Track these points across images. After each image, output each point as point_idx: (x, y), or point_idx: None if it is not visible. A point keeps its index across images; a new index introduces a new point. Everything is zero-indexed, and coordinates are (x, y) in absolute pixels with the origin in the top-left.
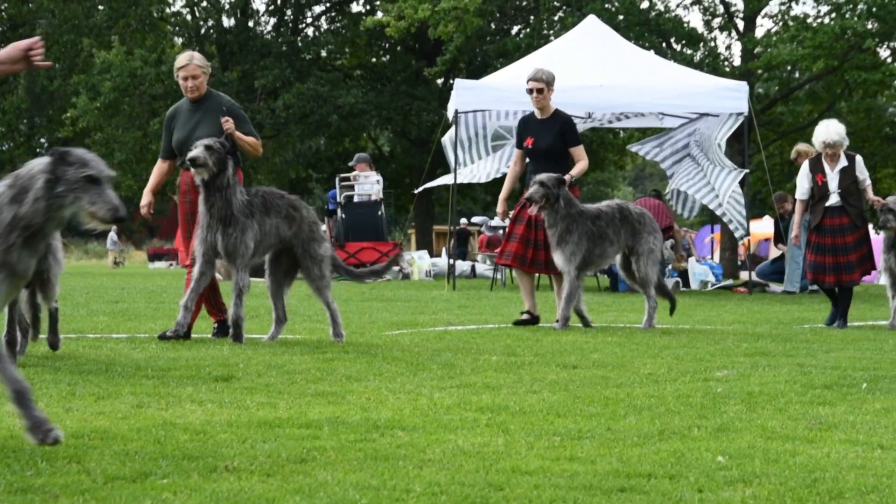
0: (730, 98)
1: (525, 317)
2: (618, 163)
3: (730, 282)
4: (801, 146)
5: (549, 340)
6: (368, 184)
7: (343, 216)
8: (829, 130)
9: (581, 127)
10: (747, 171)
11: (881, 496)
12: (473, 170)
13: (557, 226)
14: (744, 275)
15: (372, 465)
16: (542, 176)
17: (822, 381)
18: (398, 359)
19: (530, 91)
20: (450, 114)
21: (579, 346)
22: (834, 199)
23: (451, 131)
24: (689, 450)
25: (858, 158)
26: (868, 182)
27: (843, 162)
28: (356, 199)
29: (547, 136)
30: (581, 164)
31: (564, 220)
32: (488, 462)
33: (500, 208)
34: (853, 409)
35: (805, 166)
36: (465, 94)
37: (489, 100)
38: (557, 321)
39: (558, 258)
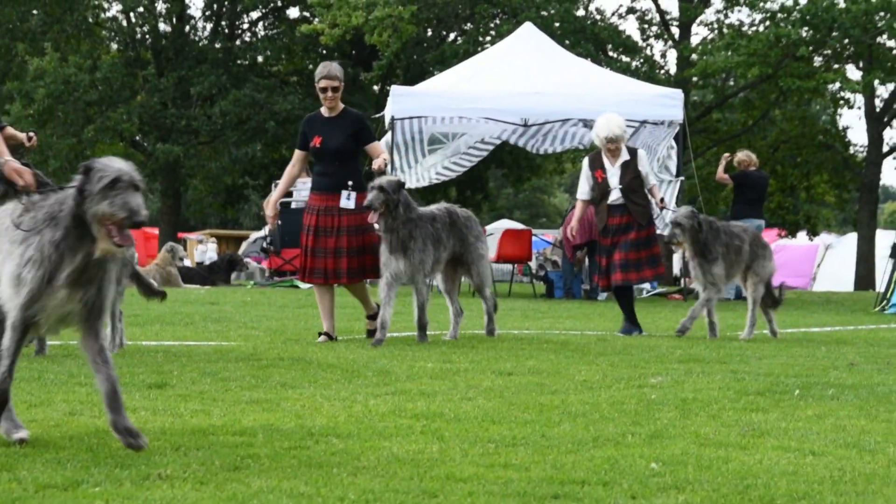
0: (665, 105)
1: (322, 339)
2: (556, 169)
3: (664, 289)
4: (740, 154)
5: (484, 347)
6: (306, 190)
7: (280, 222)
8: (610, 125)
9: (519, 140)
10: (682, 178)
11: (812, 502)
12: (409, 174)
13: (398, 231)
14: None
15: (306, 472)
16: (382, 180)
17: (755, 388)
18: (333, 366)
19: (324, 90)
20: (386, 120)
21: (515, 353)
22: (615, 196)
23: (388, 137)
24: (623, 456)
25: (641, 152)
26: (653, 181)
27: (625, 156)
28: (293, 205)
29: (337, 136)
30: (383, 158)
31: (406, 226)
32: (423, 469)
33: (269, 212)
34: (785, 416)
35: (585, 164)
36: (401, 101)
37: (425, 106)
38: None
39: (405, 267)
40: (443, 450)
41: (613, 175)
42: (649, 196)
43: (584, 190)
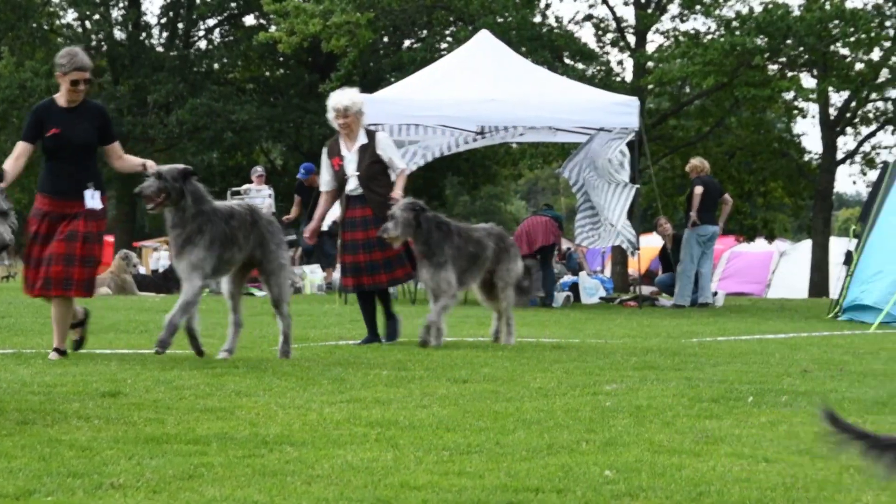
0: (621, 113)
1: (53, 356)
2: (512, 175)
3: (615, 295)
4: (695, 161)
5: (439, 355)
6: (260, 198)
7: None
8: (341, 95)
9: (476, 144)
10: (638, 185)
11: None
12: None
13: (186, 226)
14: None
15: (260, 480)
16: (162, 167)
17: (710, 395)
18: (288, 374)
19: (76, 83)
20: None
21: (469, 361)
22: (353, 185)
23: None
24: (577, 464)
25: (381, 135)
26: (399, 166)
27: (362, 139)
28: None
29: (82, 129)
30: (133, 160)
31: (196, 220)
32: (377, 477)
33: None
34: (739, 423)
35: (324, 153)
36: None
37: (381, 114)
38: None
39: (182, 265)
40: (397, 458)
41: (350, 161)
42: (396, 185)
43: (325, 181)
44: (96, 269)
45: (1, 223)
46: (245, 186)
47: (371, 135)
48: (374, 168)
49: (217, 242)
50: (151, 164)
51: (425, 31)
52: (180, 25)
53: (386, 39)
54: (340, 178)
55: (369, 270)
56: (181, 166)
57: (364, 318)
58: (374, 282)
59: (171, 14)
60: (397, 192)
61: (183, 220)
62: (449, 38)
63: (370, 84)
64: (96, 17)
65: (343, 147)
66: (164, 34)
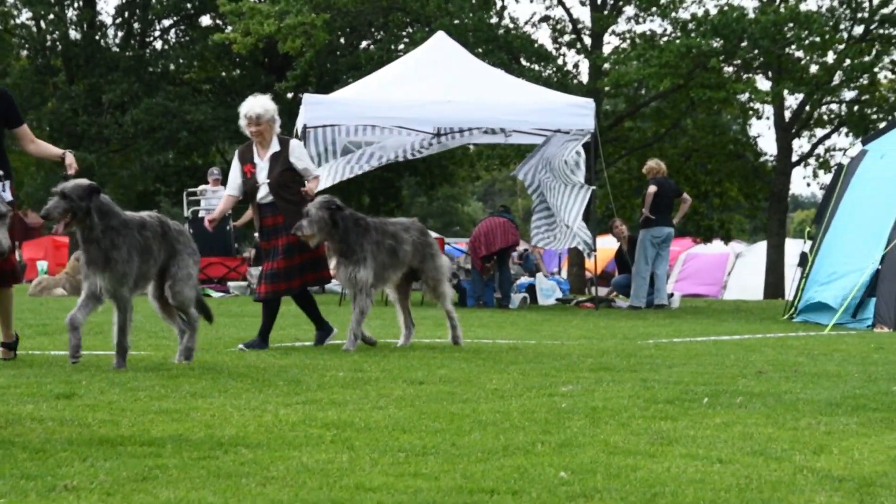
0: (577, 115)
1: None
2: (469, 177)
3: (571, 297)
4: (651, 162)
5: (396, 356)
6: (216, 199)
7: (191, 231)
8: (254, 103)
9: (431, 150)
10: (594, 187)
11: None
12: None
13: (99, 242)
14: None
15: (215, 482)
16: (67, 185)
17: (665, 396)
18: (244, 375)
19: None
20: (298, 129)
21: (426, 362)
22: (264, 193)
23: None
24: (533, 465)
25: (295, 143)
26: (314, 174)
27: (275, 147)
28: (202, 213)
29: None
30: (49, 149)
31: (107, 235)
32: (332, 479)
33: None
34: (694, 424)
35: (235, 156)
36: (313, 109)
37: (338, 114)
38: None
39: (107, 283)
40: (353, 459)
41: (262, 169)
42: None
43: (234, 185)
44: (14, 260)
45: (1, 228)
46: (201, 188)
47: (284, 143)
48: (285, 176)
49: (135, 254)
50: (71, 158)
51: (382, 33)
52: (136, 25)
53: (342, 40)
54: (251, 185)
55: (272, 278)
56: (86, 183)
57: (309, 316)
58: (272, 290)
59: (126, 14)
60: (310, 186)
61: (93, 236)
62: (406, 40)
63: (327, 84)
64: (51, 16)
65: (255, 154)
66: (120, 34)
